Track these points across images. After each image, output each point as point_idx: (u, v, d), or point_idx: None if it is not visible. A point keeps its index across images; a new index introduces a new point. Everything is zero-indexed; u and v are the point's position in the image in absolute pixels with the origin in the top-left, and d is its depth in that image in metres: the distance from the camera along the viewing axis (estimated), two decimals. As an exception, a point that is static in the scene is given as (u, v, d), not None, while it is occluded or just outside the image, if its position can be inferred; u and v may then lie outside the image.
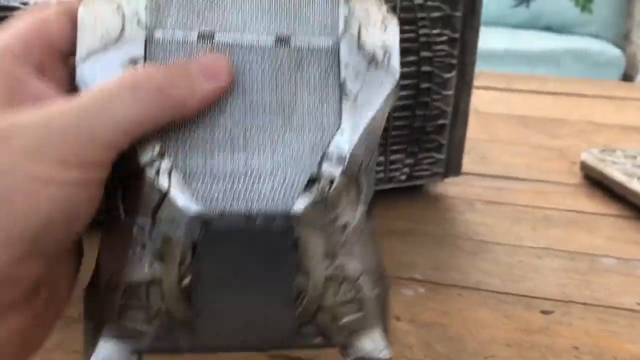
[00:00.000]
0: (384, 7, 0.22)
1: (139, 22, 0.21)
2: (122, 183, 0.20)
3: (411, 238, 0.38)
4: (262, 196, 0.20)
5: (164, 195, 0.19)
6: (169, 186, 0.19)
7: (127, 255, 0.20)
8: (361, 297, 0.21)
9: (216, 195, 0.20)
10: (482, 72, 0.71)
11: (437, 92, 0.40)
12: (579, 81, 0.76)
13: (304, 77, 0.21)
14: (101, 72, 0.20)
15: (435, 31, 0.38)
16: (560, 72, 1.17)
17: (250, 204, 0.20)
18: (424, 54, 0.39)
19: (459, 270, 0.35)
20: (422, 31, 0.38)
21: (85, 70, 0.20)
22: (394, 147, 0.41)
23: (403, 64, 0.38)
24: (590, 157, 0.46)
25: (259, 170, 0.20)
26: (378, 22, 0.22)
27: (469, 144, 0.44)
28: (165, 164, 0.20)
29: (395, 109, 0.39)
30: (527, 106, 0.63)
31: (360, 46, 0.22)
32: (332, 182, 0.20)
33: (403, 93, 0.39)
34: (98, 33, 0.21)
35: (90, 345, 0.21)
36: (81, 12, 0.21)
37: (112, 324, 0.20)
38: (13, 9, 0.32)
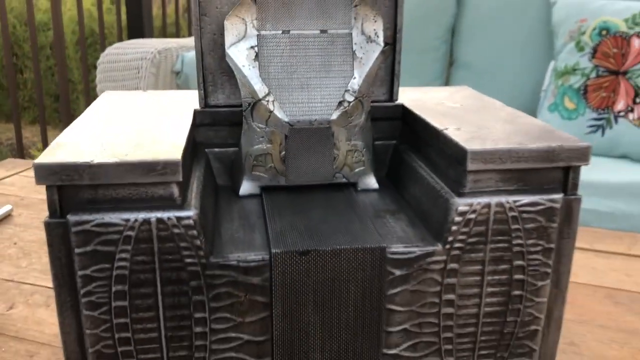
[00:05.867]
0: (374, 10, 0.42)
1: (253, 26, 0.41)
2: (251, 109, 0.41)
3: None
4: (316, 111, 0.40)
5: (271, 112, 0.40)
6: (273, 108, 0.40)
7: (254, 141, 0.41)
8: (364, 159, 0.43)
9: (295, 112, 0.40)
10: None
11: (530, 300, 0.38)
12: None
13: (334, 50, 0.41)
14: (237, 54, 0.41)
15: (530, 241, 0.37)
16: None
17: (311, 116, 0.40)
18: (517, 262, 0.37)
19: None
20: (515, 241, 0.37)
21: (230, 53, 0.41)
22: (482, 352, 0.39)
23: (495, 272, 0.37)
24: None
25: (314, 99, 0.40)
26: (371, 18, 0.42)
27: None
28: (270, 98, 0.40)
29: (484, 314, 0.38)
30: (614, 275, 0.60)
31: (363, 32, 0.42)
32: (349, 103, 0.41)
33: (493, 300, 0.38)
34: (234, 33, 0.41)
35: (238, 184, 0.43)
36: (225, 23, 0.41)
37: (248, 173, 0.42)
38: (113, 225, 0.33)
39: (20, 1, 3.29)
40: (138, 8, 1.96)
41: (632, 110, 1.25)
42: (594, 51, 1.30)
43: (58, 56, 1.87)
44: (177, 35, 2.49)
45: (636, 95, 1.25)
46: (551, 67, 1.39)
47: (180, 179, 0.34)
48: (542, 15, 1.46)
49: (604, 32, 1.29)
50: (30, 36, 1.80)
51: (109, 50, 1.36)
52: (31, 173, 0.91)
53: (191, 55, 1.47)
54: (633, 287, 0.57)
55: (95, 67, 3.09)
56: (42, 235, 0.68)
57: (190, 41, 1.57)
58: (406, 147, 0.47)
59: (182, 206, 0.34)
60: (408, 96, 0.50)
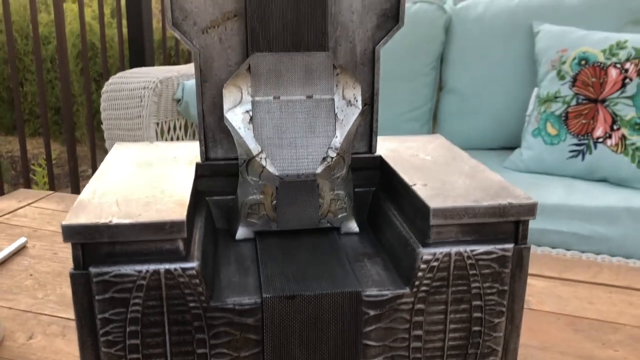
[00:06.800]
0: (354, 78, 0.48)
1: (248, 93, 0.47)
2: (246, 165, 0.46)
3: None
4: (303, 166, 0.45)
5: (263, 168, 0.45)
6: (266, 164, 0.45)
7: (249, 192, 0.47)
8: (346, 206, 0.49)
9: (285, 167, 0.45)
10: (537, 255, 0.74)
11: (488, 335, 0.44)
12: (637, 270, 0.77)
13: (318, 113, 0.47)
14: (234, 117, 0.46)
15: (486, 285, 0.43)
16: (620, 231, 1.18)
17: (299, 170, 0.45)
18: (476, 303, 0.43)
19: None
20: (473, 284, 0.43)
21: (228, 117, 0.46)
22: (448, 380, 0.45)
23: (457, 311, 0.43)
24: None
25: (301, 155, 0.46)
26: (351, 85, 0.48)
27: (520, 352, 0.47)
28: (263, 155, 0.45)
29: (448, 347, 0.44)
30: (578, 303, 0.66)
31: (344, 97, 0.48)
32: (332, 158, 0.46)
33: (456, 335, 0.44)
34: (231, 99, 0.47)
35: (235, 229, 0.49)
36: (224, 91, 0.47)
37: (244, 220, 0.48)
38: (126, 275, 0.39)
39: (20, 15, 3.36)
40: (139, 21, 2.03)
41: (610, 137, 1.32)
42: (574, 80, 1.36)
43: (61, 69, 1.94)
44: (176, 48, 2.56)
45: (614, 123, 1.32)
46: (535, 93, 1.46)
47: (185, 235, 0.39)
48: (526, 44, 1.53)
49: (583, 62, 1.35)
50: (34, 50, 1.86)
51: (113, 79, 1.43)
52: (42, 204, 0.97)
53: (191, 83, 1.53)
54: (594, 315, 0.63)
55: (95, 80, 3.16)
56: (55, 266, 0.73)
57: (190, 69, 1.64)
58: (384, 195, 0.52)
59: (186, 258, 0.40)
60: (386, 146, 0.56)
